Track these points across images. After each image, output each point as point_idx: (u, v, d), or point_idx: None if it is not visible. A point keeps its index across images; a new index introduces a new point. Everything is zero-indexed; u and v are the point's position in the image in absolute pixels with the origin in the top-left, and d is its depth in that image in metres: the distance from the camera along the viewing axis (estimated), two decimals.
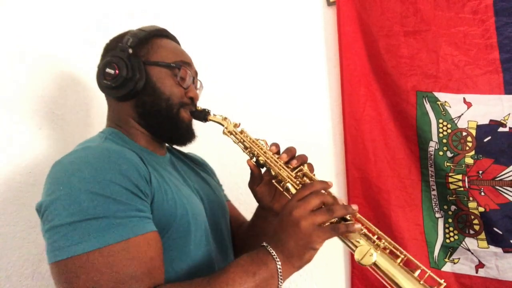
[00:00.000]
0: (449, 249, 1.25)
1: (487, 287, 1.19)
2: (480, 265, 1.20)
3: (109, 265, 0.55)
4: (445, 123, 1.24)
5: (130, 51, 0.76)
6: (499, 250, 1.17)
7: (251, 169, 0.80)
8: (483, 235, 1.19)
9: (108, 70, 0.75)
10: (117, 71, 0.74)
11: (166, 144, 0.89)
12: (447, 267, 1.25)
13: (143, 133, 0.79)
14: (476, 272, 1.21)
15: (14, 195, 1.02)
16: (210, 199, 0.85)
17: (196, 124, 0.86)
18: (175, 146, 0.93)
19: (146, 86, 0.76)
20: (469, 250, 1.22)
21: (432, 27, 1.25)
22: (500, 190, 1.18)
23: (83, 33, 1.22)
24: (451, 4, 1.23)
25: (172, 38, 0.87)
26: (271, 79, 1.43)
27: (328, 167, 1.40)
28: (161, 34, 0.84)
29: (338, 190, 1.40)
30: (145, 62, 0.77)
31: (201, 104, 0.87)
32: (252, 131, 0.84)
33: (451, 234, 1.25)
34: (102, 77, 0.76)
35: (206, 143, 0.90)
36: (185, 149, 0.90)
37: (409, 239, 1.27)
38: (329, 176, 1.39)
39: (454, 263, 1.24)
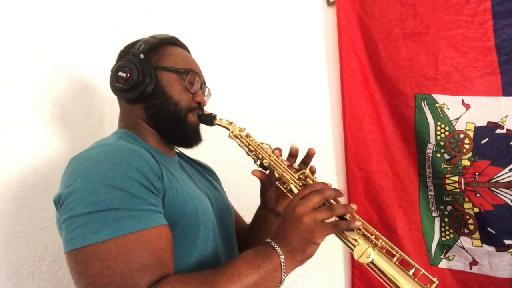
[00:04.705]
0: (444, 247, 1.28)
1: (481, 283, 1.22)
2: (474, 262, 1.24)
3: (124, 253, 0.58)
4: (443, 126, 1.25)
5: (142, 56, 0.80)
6: (492, 249, 1.20)
7: (258, 178, 0.84)
8: (477, 235, 1.22)
9: (120, 73, 0.80)
10: (128, 75, 0.79)
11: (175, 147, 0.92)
12: (443, 264, 1.28)
13: (154, 134, 0.84)
14: (470, 269, 1.24)
15: (14, 195, 1.02)
16: (217, 199, 0.89)
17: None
18: (182, 150, 0.96)
19: (155, 90, 0.81)
20: (463, 248, 1.25)
21: (431, 30, 1.25)
22: (496, 192, 1.20)
23: (82, 33, 1.21)
24: (450, 6, 1.24)
25: (183, 47, 0.91)
26: (271, 79, 1.43)
27: (328, 166, 1.40)
28: (172, 42, 0.88)
29: None
30: (156, 67, 0.82)
31: (204, 107, 0.89)
32: (252, 131, 0.86)
33: (447, 232, 1.27)
34: (114, 80, 0.81)
35: (207, 145, 0.91)
36: (189, 151, 0.92)
37: (410, 237, 1.30)
38: (329, 176, 1.40)
39: (450, 260, 1.27)
